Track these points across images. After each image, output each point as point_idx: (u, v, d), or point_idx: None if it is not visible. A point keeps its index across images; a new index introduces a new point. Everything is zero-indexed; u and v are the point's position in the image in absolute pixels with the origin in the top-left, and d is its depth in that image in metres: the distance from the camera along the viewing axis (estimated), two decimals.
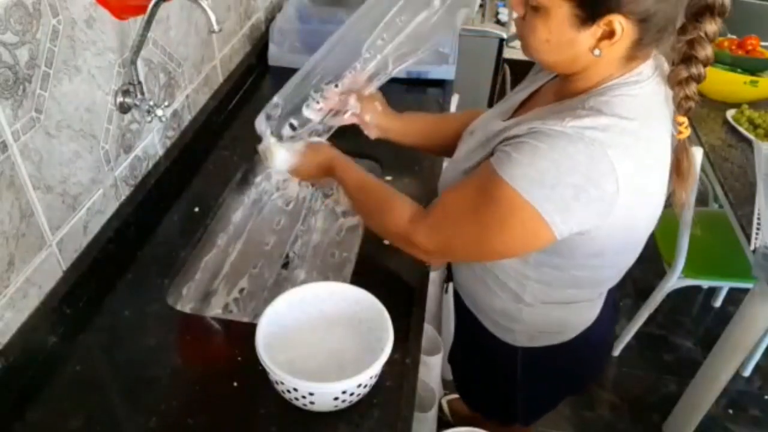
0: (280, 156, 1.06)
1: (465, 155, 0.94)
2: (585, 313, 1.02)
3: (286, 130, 1.08)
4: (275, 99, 1.08)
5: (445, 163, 1.15)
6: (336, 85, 1.06)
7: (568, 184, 0.74)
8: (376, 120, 1.12)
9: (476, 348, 1.16)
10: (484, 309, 1.06)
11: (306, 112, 1.07)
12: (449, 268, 1.18)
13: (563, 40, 0.77)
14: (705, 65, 0.78)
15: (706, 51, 0.77)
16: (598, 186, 0.75)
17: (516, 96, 0.97)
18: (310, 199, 1.43)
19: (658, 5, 0.73)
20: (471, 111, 1.16)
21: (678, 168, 0.85)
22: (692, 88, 0.80)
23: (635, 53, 0.78)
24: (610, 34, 0.75)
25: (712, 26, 0.76)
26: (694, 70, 0.79)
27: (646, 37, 0.76)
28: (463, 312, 1.13)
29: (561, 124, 0.75)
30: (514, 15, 0.83)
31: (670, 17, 0.75)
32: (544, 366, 1.08)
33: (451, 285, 1.20)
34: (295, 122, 1.07)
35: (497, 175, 0.78)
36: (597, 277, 0.94)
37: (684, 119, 0.82)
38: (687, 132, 0.83)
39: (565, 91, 0.84)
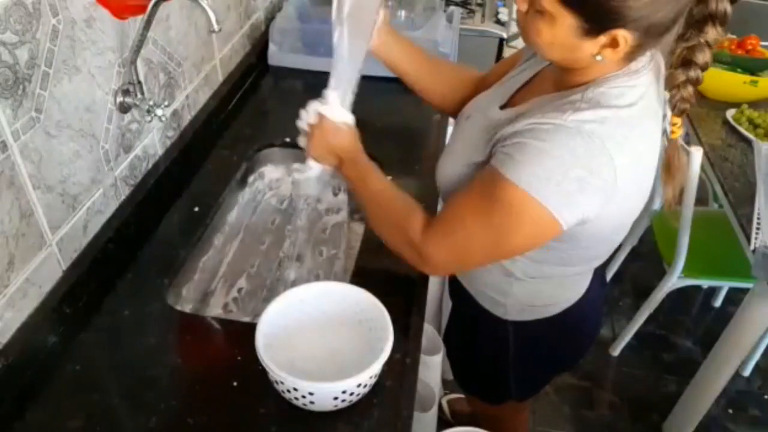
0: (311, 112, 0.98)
1: (463, 144, 0.95)
2: (574, 288, 1.04)
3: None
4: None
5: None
6: None
7: (572, 178, 0.76)
8: (380, 31, 1.05)
9: (469, 324, 1.18)
10: (477, 284, 1.08)
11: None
12: None
13: (566, 44, 0.78)
14: (703, 70, 0.81)
15: (706, 57, 0.80)
16: (599, 177, 0.77)
17: (513, 80, 0.99)
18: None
19: (661, 16, 0.73)
20: (462, 69, 1.18)
21: (668, 166, 0.88)
22: (689, 91, 0.82)
23: (634, 56, 0.80)
24: (613, 44, 0.76)
25: (713, 34, 0.78)
26: (692, 74, 0.81)
27: (646, 44, 0.78)
28: (457, 289, 1.15)
29: (561, 117, 0.77)
30: (516, 8, 0.83)
31: (671, 24, 0.76)
32: (535, 340, 1.10)
33: None
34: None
35: (504, 178, 0.79)
36: (588, 255, 0.97)
37: (678, 120, 0.85)
38: (679, 132, 0.87)
39: (565, 83, 0.85)
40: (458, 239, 0.87)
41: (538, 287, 1.01)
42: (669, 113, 0.86)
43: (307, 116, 0.98)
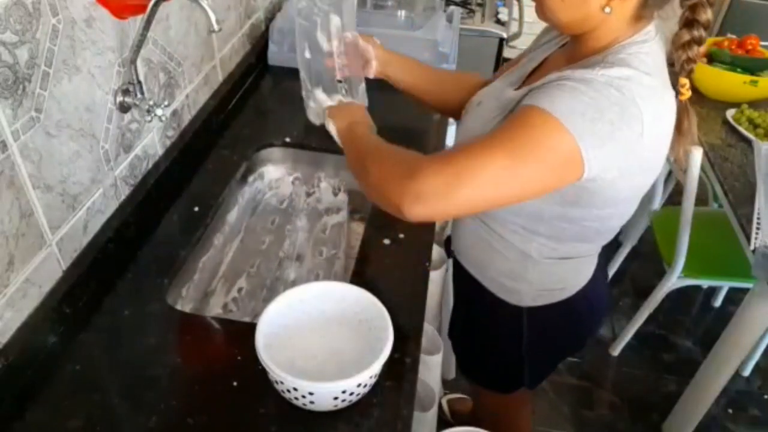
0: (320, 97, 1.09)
1: (480, 125, 0.95)
2: (583, 270, 1.07)
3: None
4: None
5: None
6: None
7: (606, 120, 0.77)
8: (377, 52, 1.14)
9: (480, 316, 1.19)
10: (489, 273, 1.09)
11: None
12: (448, 244, 1.21)
13: None
14: (705, 28, 0.85)
15: (707, 14, 0.84)
16: (629, 127, 0.79)
17: (524, 66, 1.02)
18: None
19: None
20: (466, 74, 1.21)
21: (679, 127, 0.90)
22: (694, 51, 0.86)
23: (642, 13, 0.83)
24: None
25: None
26: (696, 33, 0.85)
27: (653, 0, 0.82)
28: (465, 282, 1.16)
29: (592, 72, 0.79)
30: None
31: None
32: (548, 325, 1.12)
33: (449, 264, 1.23)
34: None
35: (537, 108, 0.78)
36: (601, 229, 0.98)
37: (686, 81, 0.89)
38: (688, 93, 0.89)
39: (578, 54, 0.88)
40: (465, 165, 0.78)
41: (552, 269, 1.03)
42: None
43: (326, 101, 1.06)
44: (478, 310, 1.19)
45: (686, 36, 0.85)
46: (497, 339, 1.19)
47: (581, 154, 0.77)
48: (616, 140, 0.79)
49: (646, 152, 0.83)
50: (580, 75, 0.80)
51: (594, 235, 0.99)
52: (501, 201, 0.84)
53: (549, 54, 1.00)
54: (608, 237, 1.04)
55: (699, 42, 0.85)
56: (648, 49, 0.83)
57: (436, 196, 0.79)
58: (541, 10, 0.87)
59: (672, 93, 0.87)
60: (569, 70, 0.82)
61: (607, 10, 0.81)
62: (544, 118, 0.77)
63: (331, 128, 1.03)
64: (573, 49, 0.90)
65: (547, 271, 1.03)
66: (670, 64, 0.87)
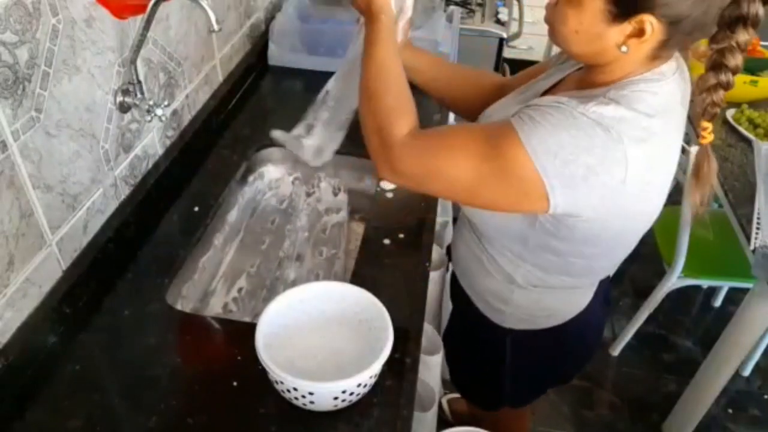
0: None
1: None
2: (575, 301, 1.04)
3: None
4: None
5: None
6: None
7: (581, 163, 0.75)
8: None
9: (468, 328, 1.18)
10: (478, 289, 1.08)
11: None
12: (449, 250, 1.20)
13: (592, 32, 0.78)
14: (734, 74, 0.78)
15: (737, 60, 0.77)
16: (609, 172, 0.76)
17: (538, 85, 0.98)
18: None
19: (691, 10, 0.73)
20: (484, 73, 1.17)
21: (698, 172, 0.86)
22: (720, 95, 0.80)
23: (660, 53, 0.79)
24: (639, 33, 0.76)
25: (744, 36, 0.76)
26: (723, 78, 0.79)
27: (673, 40, 0.77)
28: (458, 292, 1.15)
29: (584, 107, 0.76)
30: (546, 1, 0.84)
31: (700, 23, 0.75)
32: (533, 349, 1.10)
33: (450, 267, 1.23)
34: None
35: (515, 133, 0.77)
36: (591, 266, 0.96)
37: (708, 125, 0.83)
38: (710, 138, 0.84)
39: (588, 82, 0.85)
40: (437, 162, 0.84)
41: (539, 297, 1.01)
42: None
43: None
44: (467, 323, 1.18)
45: (712, 80, 0.79)
46: (480, 355, 1.18)
47: (546, 191, 0.78)
48: (590, 185, 0.77)
49: (630, 199, 0.80)
50: (571, 106, 0.77)
51: (582, 271, 0.97)
52: (469, 204, 0.90)
53: (565, 75, 0.96)
54: (602, 275, 1.02)
55: (726, 87, 0.80)
56: (657, 89, 0.79)
57: (408, 179, 0.89)
58: (554, 38, 0.84)
59: (680, 137, 0.84)
60: (567, 96, 0.80)
61: (624, 49, 0.78)
62: (516, 150, 0.77)
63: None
64: (584, 77, 0.87)
65: (534, 298, 1.01)
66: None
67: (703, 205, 0.88)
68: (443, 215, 1.46)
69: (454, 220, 1.28)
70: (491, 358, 1.14)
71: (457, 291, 1.16)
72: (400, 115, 0.88)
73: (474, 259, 1.05)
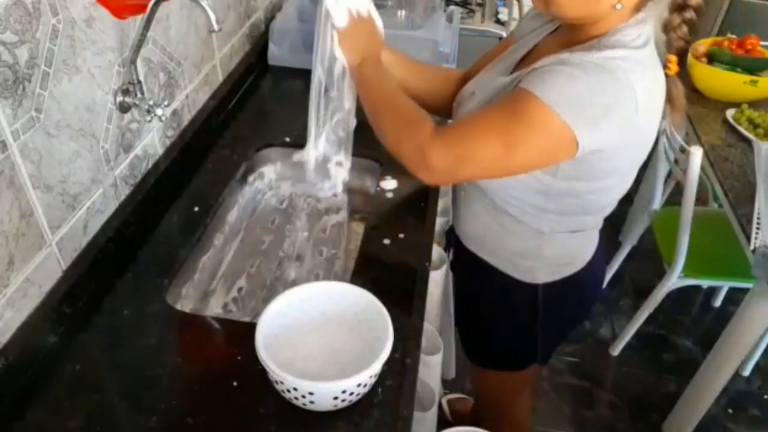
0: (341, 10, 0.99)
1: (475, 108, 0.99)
2: (590, 243, 1.14)
3: None
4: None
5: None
6: None
7: (598, 104, 0.82)
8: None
9: (493, 297, 1.21)
10: (503, 254, 1.12)
11: None
12: (449, 237, 1.24)
13: None
14: (696, 11, 0.90)
15: None
16: (624, 107, 0.83)
17: (513, 54, 1.05)
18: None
19: None
20: (446, 68, 1.25)
21: (670, 97, 0.96)
22: (684, 30, 0.92)
23: (644, 3, 0.88)
24: None
25: None
26: (687, 15, 0.91)
27: None
28: (472, 269, 1.18)
29: (589, 55, 0.84)
30: None
31: None
32: (560, 299, 1.16)
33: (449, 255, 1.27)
34: None
35: (532, 95, 0.83)
36: (603, 201, 1.03)
37: (674, 57, 0.94)
38: (675, 68, 0.95)
39: (574, 40, 0.91)
40: (467, 147, 0.88)
41: (565, 243, 1.08)
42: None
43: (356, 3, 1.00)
44: (491, 293, 1.20)
45: (677, 20, 0.91)
46: (511, 318, 1.21)
47: (575, 138, 0.83)
48: (611, 120, 0.83)
49: (641, 126, 0.88)
50: (577, 59, 0.83)
51: (597, 208, 1.04)
52: (500, 176, 0.96)
53: (539, 40, 1.02)
54: (609, 209, 1.08)
55: (690, 24, 0.91)
56: (640, 31, 0.88)
57: (443, 174, 0.94)
58: (545, 3, 0.88)
59: (661, 68, 0.92)
60: (567, 53, 0.86)
61: (619, 6, 0.85)
62: (539, 106, 0.82)
63: (340, 57, 1.01)
64: (569, 35, 0.93)
65: (560, 245, 1.08)
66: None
67: (679, 123, 0.97)
68: (443, 215, 1.46)
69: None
70: (524, 318, 1.18)
71: (471, 266, 1.18)
72: (417, 123, 0.94)
73: (494, 226, 1.08)
